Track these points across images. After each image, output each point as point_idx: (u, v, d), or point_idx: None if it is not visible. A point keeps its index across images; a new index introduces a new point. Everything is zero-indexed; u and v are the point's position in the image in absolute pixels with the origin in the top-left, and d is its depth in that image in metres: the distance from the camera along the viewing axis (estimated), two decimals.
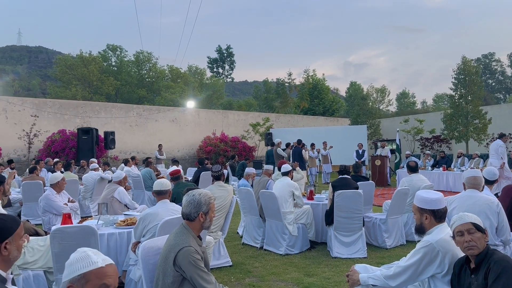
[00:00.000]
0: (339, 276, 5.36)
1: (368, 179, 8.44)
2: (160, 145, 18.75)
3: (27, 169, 11.10)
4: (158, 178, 10.55)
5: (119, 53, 42.53)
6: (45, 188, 8.67)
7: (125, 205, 7.09)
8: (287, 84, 39.57)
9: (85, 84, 36.68)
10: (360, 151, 17.05)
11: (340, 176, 6.70)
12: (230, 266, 5.85)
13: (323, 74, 43.64)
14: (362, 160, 16.51)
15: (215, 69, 60.00)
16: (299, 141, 13.97)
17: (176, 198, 5.79)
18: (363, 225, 6.46)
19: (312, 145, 16.49)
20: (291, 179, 7.06)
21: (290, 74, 39.52)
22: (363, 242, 6.37)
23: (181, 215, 3.32)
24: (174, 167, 11.33)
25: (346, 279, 3.23)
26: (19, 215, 8.91)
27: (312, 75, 41.34)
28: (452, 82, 21.58)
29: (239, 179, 12.42)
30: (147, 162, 12.70)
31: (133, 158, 14.32)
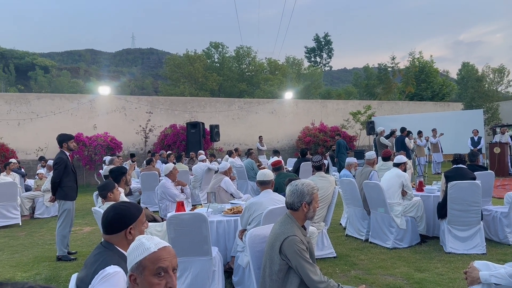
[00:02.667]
0: (454, 272, 4.98)
1: (486, 169, 7.64)
2: (260, 137, 19.14)
3: (144, 161, 12.09)
4: (259, 169, 10.80)
5: (221, 49, 44.25)
6: (160, 178, 9.39)
7: (231, 194, 7.37)
8: (390, 69, 37.60)
9: (191, 81, 38.83)
10: (476, 138, 15.58)
11: (454, 166, 6.18)
12: (334, 257, 5.76)
13: (431, 56, 40.39)
14: (478, 148, 15.01)
15: (312, 59, 59.24)
16: (403, 129, 13.23)
17: (278, 188, 5.84)
18: (481, 219, 5.90)
19: (420, 132, 15.40)
20: (405, 171, 6.65)
21: (393, 58, 37.51)
22: (481, 237, 5.81)
23: (284, 205, 3.36)
24: (275, 158, 11.50)
25: (463, 276, 2.97)
26: (138, 202, 9.76)
27: (418, 58, 38.62)
28: None
29: (339, 169, 12.20)
30: (249, 153, 13.06)
31: (236, 149, 14.81)
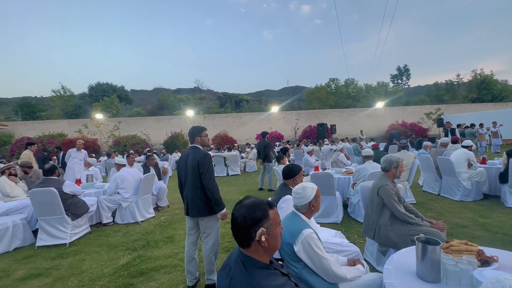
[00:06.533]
0: None
1: None
2: (361, 130, 17.42)
3: (295, 145, 12.34)
4: (361, 149, 9.88)
5: (336, 81, 41.62)
6: (304, 153, 9.43)
7: (344, 164, 6.98)
8: (455, 82, 29.56)
9: (319, 101, 37.25)
10: None
11: None
12: (414, 203, 4.94)
13: (491, 71, 30.12)
14: None
15: (395, 81, 50.34)
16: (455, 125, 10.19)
17: (376, 159, 5.28)
18: None
19: (481, 124, 11.76)
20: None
21: (458, 75, 29.38)
22: None
23: (380, 169, 3.04)
24: (372, 142, 10.33)
25: None
26: None
27: (479, 73, 29.23)
28: None
29: (417, 149, 10.25)
30: (354, 139, 12.08)
31: (346, 137, 13.87)
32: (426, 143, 6.81)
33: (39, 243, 3.79)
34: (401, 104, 35.06)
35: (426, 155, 5.93)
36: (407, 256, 1.77)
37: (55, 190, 3.73)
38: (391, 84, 46.15)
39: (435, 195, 5.48)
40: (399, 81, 50.50)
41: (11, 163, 9.22)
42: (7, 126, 18.58)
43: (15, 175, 4.67)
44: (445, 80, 31.77)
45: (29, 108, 31.06)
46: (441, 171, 5.39)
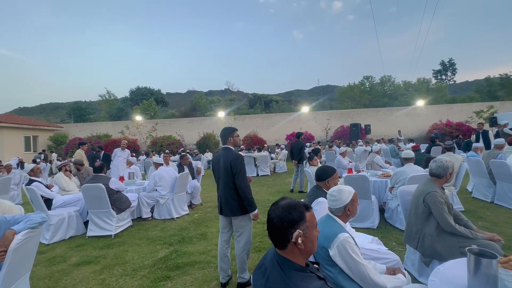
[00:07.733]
0: None
1: None
2: (399, 131, 16.28)
3: (326, 145, 11.96)
4: (399, 151, 9.26)
5: (370, 79, 39.49)
6: (336, 155, 9.13)
7: (380, 166, 6.60)
8: None
9: (352, 100, 35.83)
10: None
11: None
12: (462, 211, 4.47)
13: None
14: None
15: (438, 77, 45.99)
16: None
17: (417, 161, 4.90)
18: None
19: None
20: None
21: None
22: None
23: (420, 173, 2.81)
24: (411, 143, 9.64)
25: None
26: None
27: None
28: None
29: (464, 151, 9.28)
30: (391, 140, 11.36)
31: (382, 138, 13.07)
32: (476, 144, 6.15)
33: (89, 233, 4.21)
34: (446, 102, 32.01)
35: (476, 158, 5.35)
36: (456, 269, 1.62)
37: (103, 186, 4.12)
38: (434, 81, 42.38)
39: (487, 203, 4.93)
40: (443, 77, 46.12)
41: (66, 160, 10.39)
42: (62, 128, 20.97)
43: (70, 171, 5.25)
44: (499, 74, 28.33)
45: (80, 111, 34.71)
46: (495, 176, 4.83)
